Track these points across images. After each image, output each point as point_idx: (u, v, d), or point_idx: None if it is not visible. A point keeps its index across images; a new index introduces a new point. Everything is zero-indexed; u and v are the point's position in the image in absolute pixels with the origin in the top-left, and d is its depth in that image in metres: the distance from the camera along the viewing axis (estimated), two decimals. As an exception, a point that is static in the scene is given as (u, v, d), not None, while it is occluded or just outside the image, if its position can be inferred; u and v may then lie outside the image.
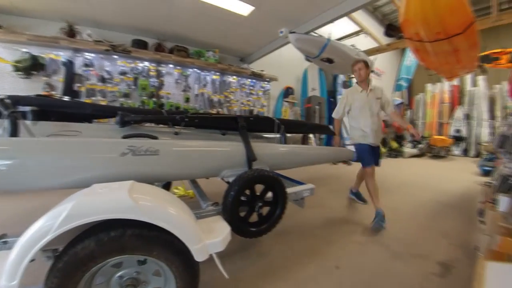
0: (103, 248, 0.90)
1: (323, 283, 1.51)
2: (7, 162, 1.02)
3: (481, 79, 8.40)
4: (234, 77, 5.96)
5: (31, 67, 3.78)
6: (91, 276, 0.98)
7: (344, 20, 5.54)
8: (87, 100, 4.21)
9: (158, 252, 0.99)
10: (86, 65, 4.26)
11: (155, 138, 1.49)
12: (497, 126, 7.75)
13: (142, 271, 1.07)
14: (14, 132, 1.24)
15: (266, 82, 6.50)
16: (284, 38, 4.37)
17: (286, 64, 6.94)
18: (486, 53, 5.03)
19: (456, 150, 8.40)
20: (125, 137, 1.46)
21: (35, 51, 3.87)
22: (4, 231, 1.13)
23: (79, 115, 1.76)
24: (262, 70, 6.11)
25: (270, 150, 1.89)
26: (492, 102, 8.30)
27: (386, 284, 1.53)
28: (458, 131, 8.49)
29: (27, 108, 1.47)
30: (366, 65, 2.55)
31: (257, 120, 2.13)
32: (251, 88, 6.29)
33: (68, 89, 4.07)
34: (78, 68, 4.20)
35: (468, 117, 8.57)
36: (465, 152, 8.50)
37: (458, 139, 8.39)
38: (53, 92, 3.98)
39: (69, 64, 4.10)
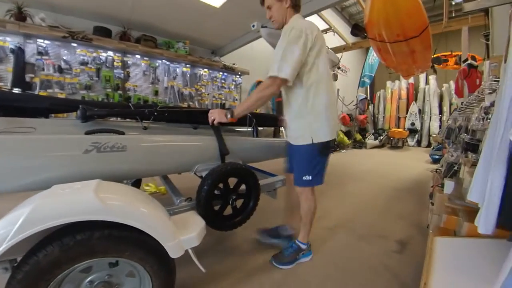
0: (69, 254, 0.84)
1: (297, 268, 1.60)
2: None
3: (432, 78, 9.40)
4: (206, 70, 5.79)
5: (-28, 54, 3.22)
6: (57, 284, 0.90)
7: (314, 18, 5.70)
8: (42, 93, 3.72)
9: (131, 252, 0.95)
10: (40, 53, 3.73)
11: (121, 133, 1.39)
12: (444, 120, 8.77)
13: (115, 274, 1.02)
14: None
15: (237, 76, 6.45)
16: (256, 32, 4.36)
17: (258, 57, 6.95)
18: (437, 55, 5.61)
19: (411, 141, 9.35)
20: (88, 133, 1.33)
21: None
22: None
23: (33, 110, 1.55)
24: (233, 64, 6.04)
25: (243, 143, 1.91)
26: (441, 98, 9.35)
27: (353, 263, 1.67)
28: (413, 124, 9.44)
29: None
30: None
31: None
32: (223, 81, 6.19)
33: (19, 80, 3.52)
34: (30, 56, 3.67)
35: (421, 111, 9.56)
36: (419, 143, 9.51)
37: (412, 131, 9.35)
38: (0, 84, 3.45)
39: (19, 52, 3.54)
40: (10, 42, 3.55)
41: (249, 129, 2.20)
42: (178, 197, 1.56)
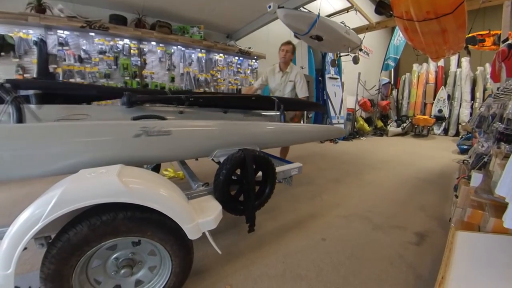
0: (96, 232, 0.91)
1: (310, 253, 1.62)
2: (23, 147, 1.00)
3: (465, 61, 8.59)
4: (221, 54, 5.73)
5: (-1, 47, 3.40)
6: (87, 260, 0.99)
7: (335, -5, 5.35)
8: (64, 82, 3.94)
9: (152, 232, 1.01)
10: (61, 44, 3.89)
11: (163, 118, 1.50)
12: (476, 107, 8.09)
13: (137, 252, 1.10)
14: (19, 118, 1.20)
15: (253, 60, 6.32)
16: (272, 14, 4.17)
17: (274, 41, 6.69)
18: (472, 34, 5.08)
19: (437, 130, 8.78)
20: (135, 118, 1.45)
21: (1, 29, 3.47)
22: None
23: (82, 97, 1.72)
24: (249, 47, 5.90)
25: (263, 128, 1.93)
26: (474, 83, 8.57)
27: (368, 252, 1.66)
28: (440, 111, 8.81)
29: (29, 92, 1.40)
30: (294, 50, 2.72)
31: (259, 99, 2.26)
32: (239, 66, 6.11)
33: (43, 71, 3.72)
34: (52, 47, 3.84)
35: (450, 97, 8.86)
36: (446, 132, 8.91)
37: (439, 118, 8.74)
38: (27, 75, 3.67)
39: (41, 44, 3.71)
40: (33, 34, 3.72)
41: (277, 113, 2.29)
42: (196, 182, 1.61)
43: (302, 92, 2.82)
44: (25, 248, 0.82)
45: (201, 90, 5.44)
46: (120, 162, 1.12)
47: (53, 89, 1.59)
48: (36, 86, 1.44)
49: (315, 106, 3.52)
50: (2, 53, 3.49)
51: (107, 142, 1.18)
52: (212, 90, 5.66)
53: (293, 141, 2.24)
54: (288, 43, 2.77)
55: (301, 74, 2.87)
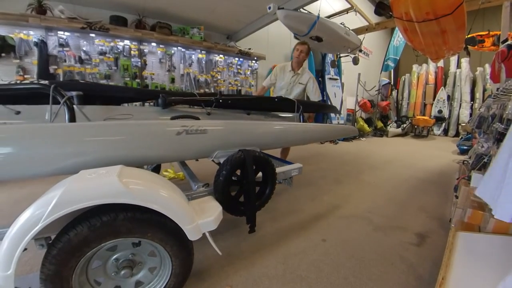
0: (96, 233, 0.91)
1: (311, 254, 1.62)
2: (85, 144, 1.12)
3: (464, 61, 8.59)
4: (221, 55, 5.73)
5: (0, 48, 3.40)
6: (87, 261, 0.99)
7: (334, -4, 5.36)
8: (64, 84, 3.96)
9: (152, 233, 1.01)
10: (61, 45, 3.89)
11: (197, 118, 1.62)
12: (476, 108, 8.09)
13: (138, 253, 1.10)
14: (72, 118, 1.29)
15: (253, 61, 6.33)
16: (272, 15, 4.18)
17: (274, 42, 6.73)
18: (471, 35, 5.09)
19: (437, 130, 8.77)
20: (173, 118, 1.62)
21: (2, 30, 3.47)
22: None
23: (120, 99, 1.86)
24: (249, 48, 5.91)
25: (281, 127, 2.04)
26: (473, 84, 8.58)
27: (368, 253, 1.66)
28: (440, 111, 8.81)
29: (72, 93, 1.49)
30: (308, 51, 2.73)
31: (280, 101, 2.42)
32: (239, 67, 6.11)
33: (44, 72, 3.72)
34: (52, 48, 3.84)
35: (450, 98, 8.86)
36: (446, 132, 8.91)
37: (439, 119, 8.74)
38: (27, 76, 3.67)
39: (41, 45, 3.72)
40: (34, 35, 3.72)
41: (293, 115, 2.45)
42: (196, 182, 1.61)
43: (316, 97, 2.86)
44: (25, 249, 0.82)
45: (201, 91, 5.44)
46: (164, 157, 1.31)
47: (94, 90, 1.72)
48: (78, 87, 1.53)
49: (329, 108, 3.72)
50: (3, 54, 3.49)
51: (156, 139, 1.31)
52: (212, 91, 5.66)
53: (309, 140, 2.35)
54: (303, 43, 2.77)
55: (313, 78, 2.90)
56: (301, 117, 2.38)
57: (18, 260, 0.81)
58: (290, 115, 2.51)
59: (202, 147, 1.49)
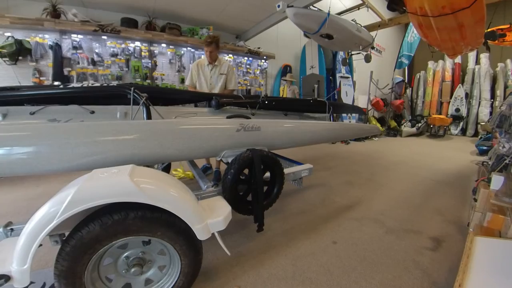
0: (108, 231, 0.93)
1: (321, 257, 1.59)
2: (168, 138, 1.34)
3: (483, 57, 8.18)
4: (230, 55, 5.76)
5: (17, 52, 3.56)
6: (99, 258, 1.02)
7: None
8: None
9: (162, 232, 1.02)
10: (75, 47, 4.05)
11: (248, 117, 1.83)
12: (496, 106, 7.70)
13: (147, 251, 1.12)
14: (148, 116, 1.50)
15: (263, 60, 6.31)
16: (282, 13, 4.16)
17: (284, 40, 6.68)
18: (491, 29, 4.83)
19: (454, 130, 8.40)
20: (228, 117, 1.85)
21: (19, 34, 3.63)
22: (9, 219, 1.16)
23: (179, 100, 2.09)
24: (258, 48, 5.90)
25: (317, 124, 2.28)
26: (494, 81, 8.16)
27: (381, 257, 1.61)
28: (457, 110, 8.42)
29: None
30: (217, 45, 2.65)
31: (315, 103, 2.74)
32: (248, 67, 6.12)
33: (58, 74, 3.90)
34: (66, 51, 4.00)
35: (468, 96, 8.47)
36: (463, 132, 8.52)
37: (457, 118, 8.36)
38: (43, 78, 3.83)
39: (56, 48, 3.89)
40: (49, 39, 3.89)
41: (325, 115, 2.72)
42: (205, 182, 1.62)
43: (232, 85, 2.84)
44: (40, 245, 0.85)
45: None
46: (226, 149, 1.53)
47: (157, 93, 1.98)
48: (145, 90, 1.68)
49: (356, 110, 3.99)
50: (20, 57, 3.67)
51: (220, 134, 1.54)
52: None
53: (341, 137, 2.64)
54: (209, 43, 2.56)
55: (231, 66, 2.90)
56: (331, 117, 2.67)
57: (34, 255, 0.84)
58: (322, 115, 2.79)
59: (257, 142, 1.68)
